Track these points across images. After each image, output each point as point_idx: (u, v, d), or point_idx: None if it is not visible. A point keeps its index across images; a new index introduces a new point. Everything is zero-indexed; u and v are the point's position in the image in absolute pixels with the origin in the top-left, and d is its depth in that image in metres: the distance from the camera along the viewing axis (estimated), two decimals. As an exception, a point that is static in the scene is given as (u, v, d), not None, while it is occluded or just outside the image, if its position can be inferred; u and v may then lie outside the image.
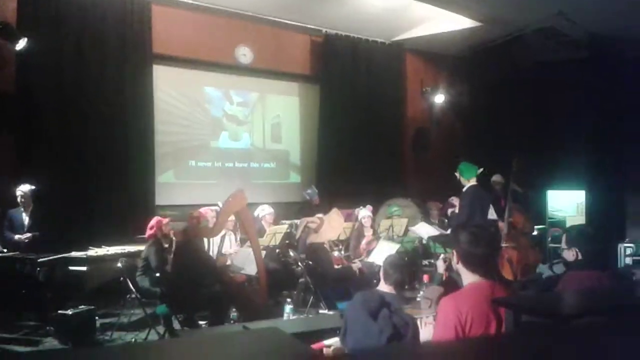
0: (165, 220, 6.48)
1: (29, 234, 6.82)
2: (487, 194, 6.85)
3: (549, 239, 9.80)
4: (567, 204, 10.74)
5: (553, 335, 1.33)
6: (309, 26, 10.20)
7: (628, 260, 8.26)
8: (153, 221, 6.44)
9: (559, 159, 10.19)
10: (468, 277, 2.98)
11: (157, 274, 6.04)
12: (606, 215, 9.39)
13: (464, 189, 6.58)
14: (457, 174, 6.62)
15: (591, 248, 3.74)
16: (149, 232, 6.32)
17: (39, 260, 6.10)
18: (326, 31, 10.38)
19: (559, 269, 5.75)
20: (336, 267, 7.34)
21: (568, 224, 10.07)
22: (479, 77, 11.10)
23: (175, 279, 5.85)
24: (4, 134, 7.40)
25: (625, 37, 9.31)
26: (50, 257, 6.14)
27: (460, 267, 3.02)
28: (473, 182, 6.54)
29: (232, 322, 5.46)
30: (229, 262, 6.78)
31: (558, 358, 1.11)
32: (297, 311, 6.04)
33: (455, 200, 8.08)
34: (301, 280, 7.06)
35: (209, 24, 9.27)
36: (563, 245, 3.82)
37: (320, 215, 7.76)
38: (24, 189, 6.91)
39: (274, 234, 7.31)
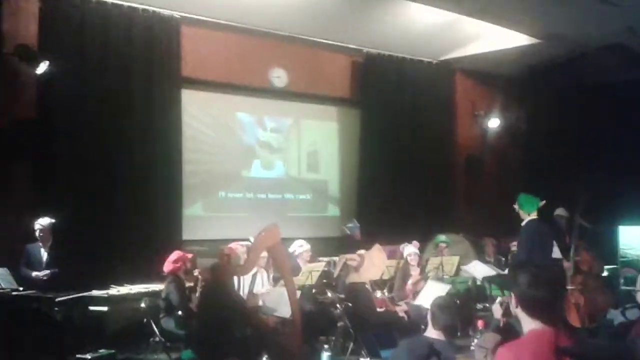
0: (190, 256, 6.52)
1: (47, 271, 6.92)
2: (549, 229, 6.70)
3: (621, 280, 9.49)
4: (641, 241, 10.40)
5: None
6: (348, 46, 10.28)
7: None
8: (176, 255, 6.48)
9: (633, 190, 9.91)
10: (528, 324, 2.90)
11: (180, 313, 6.05)
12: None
13: (523, 224, 6.46)
14: (515, 207, 6.51)
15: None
16: (170, 266, 6.36)
17: (57, 300, 6.18)
18: (367, 51, 10.44)
19: (632, 314, 5.56)
20: (379, 310, 7.24)
21: (643, 264, 9.76)
22: (538, 99, 10.98)
23: (202, 322, 5.85)
24: (22, 162, 7.58)
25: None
26: (69, 296, 6.22)
27: (519, 312, 2.94)
28: (534, 216, 6.42)
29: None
30: (260, 303, 6.76)
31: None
32: (336, 359, 5.97)
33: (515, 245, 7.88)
34: (340, 324, 6.98)
35: (241, 45, 9.42)
36: (638, 287, 3.71)
37: (361, 252, 7.71)
38: (42, 222, 7.04)
39: (310, 272, 7.28)
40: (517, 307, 2.92)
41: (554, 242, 7.29)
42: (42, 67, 7.40)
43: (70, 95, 7.88)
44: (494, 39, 10.01)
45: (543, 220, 6.60)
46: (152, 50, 8.54)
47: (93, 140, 8.02)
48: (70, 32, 7.95)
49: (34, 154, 7.67)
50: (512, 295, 2.97)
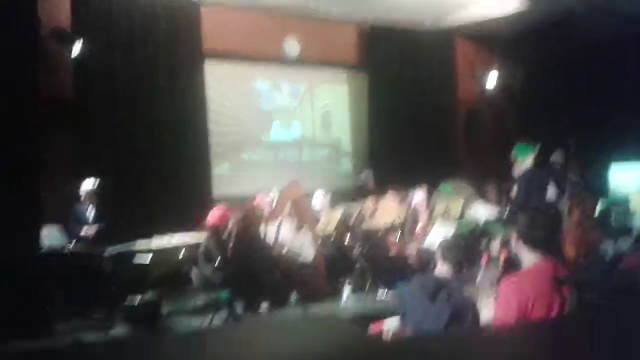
0: (230, 217, 6.52)
1: (94, 227, 7.05)
2: (545, 175, 6.65)
3: (612, 216, 9.44)
4: (631, 179, 10.30)
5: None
6: (355, 16, 10.12)
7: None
8: (219, 211, 6.49)
9: (623, 131, 9.77)
10: (528, 257, 2.92)
11: (218, 262, 6.15)
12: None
13: (520, 173, 6.41)
14: (512, 156, 6.45)
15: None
16: (213, 221, 6.39)
17: (104, 253, 6.29)
18: (372, 19, 10.28)
19: (623, 246, 5.56)
20: (392, 252, 7.29)
21: (632, 202, 9.68)
22: (533, 58, 10.74)
23: (236, 266, 5.95)
24: (64, 136, 7.64)
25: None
26: (116, 249, 6.33)
27: (519, 247, 2.96)
28: (529, 163, 6.36)
29: (292, 305, 5.52)
30: (285, 249, 6.84)
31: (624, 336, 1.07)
32: (356, 293, 6.05)
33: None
34: (357, 265, 7.05)
35: (256, 19, 9.33)
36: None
37: (374, 200, 7.72)
38: (87, 184, 7.15)
39: (329, 220, 7.33)
40: (518, 242, 2.94)
41: (552, 184, 7.25)
42: (77, 48, 7.39)
43: (102, 73, 7.91)
44: (489, 2, 9.77)
45: (539, 167, 6.54)
46: (175, 29, 8.51)
47: (127, 111, 8.07)
48: (100, 13, 7.91)
49: (74, 128, 7.72)
50: (513, 232, 2.99)
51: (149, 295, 5.99)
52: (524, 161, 6.37)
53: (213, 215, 6.44)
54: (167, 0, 8.40)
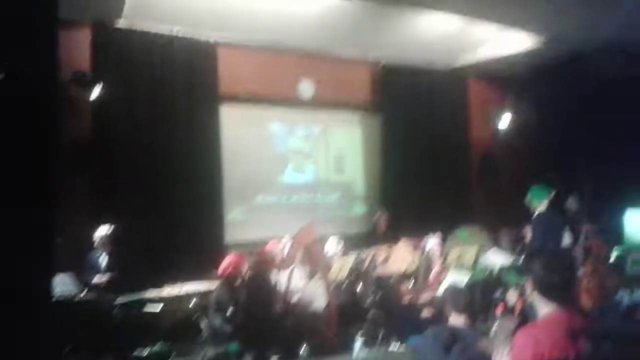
0: (242, 259, 6.51)
1: (107, 275, 7.07)
2: (559, 220, 6.62)
3: (629, 262, 9.32)
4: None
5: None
6: (368, 57, 10.29)
7: None
8: (231, 259, 6.44)
9: (637, 177, 9.72)
10: (544, 307, 2.89)
11: (229, 313, 6.12)
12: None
13: (534, 216, 6.40)
14: (526, 201, 6.45)
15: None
16: (225, 270, 6.32)
17: (115, 303, 6.29)
18: (386, 61, 10.44)
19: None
20: (405, 300, 7.22)
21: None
22: (546, 98, 10.83)
23: (246, 315, 5.91)
24: (81, 180, 7.74)
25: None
26: (127, 299, 6.33)
27: (535, 296, 2.93)
28: (544, 207, 6.35)
29: (303, 358, 5.46)
30: (298, 297, 6.80)
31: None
32: (368, 345, 5.98)
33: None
34: (370, 314, 6.98)
35: (271, 61, 9.49)
36: None
37: (387, 245, 7.70)
38: (101, 231, 7.20)
39: (341, 266, 7.29)
40: (533, 291, 2.91)
41: (566, 230, 7.22)
42: (96, 92, 7.55)
43: (120, 117, 8.05)
44: (501, 42, 9.90)
45: (554, 211, 6.53)
46: (192, 72, 8.64)
47: (142, 157, 8.15)
48: (119, 59, 8.08)
49: (92, 172, 7.84)
50: (528, 281, 2.96)
51: (159, 346, 5.96)
52: (539, 205, 6.36)
53: (226, 263, 6.40)
54: (184, 42, 8.56)
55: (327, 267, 6.80)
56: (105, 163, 7.93)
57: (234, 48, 9.12)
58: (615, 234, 9.33)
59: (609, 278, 6.51)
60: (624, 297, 5.39)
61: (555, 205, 6.74)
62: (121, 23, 8.08)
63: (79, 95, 7.70)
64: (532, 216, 6.58)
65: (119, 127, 8.05)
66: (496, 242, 8.96)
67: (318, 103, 10.10)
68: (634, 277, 8.65)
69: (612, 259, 7.78)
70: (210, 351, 6.35)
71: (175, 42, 8.51)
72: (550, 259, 2.89)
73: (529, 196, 6.48)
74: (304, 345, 5.55)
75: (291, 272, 6.88)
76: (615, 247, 7.85)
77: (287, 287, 6.56)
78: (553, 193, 6.51)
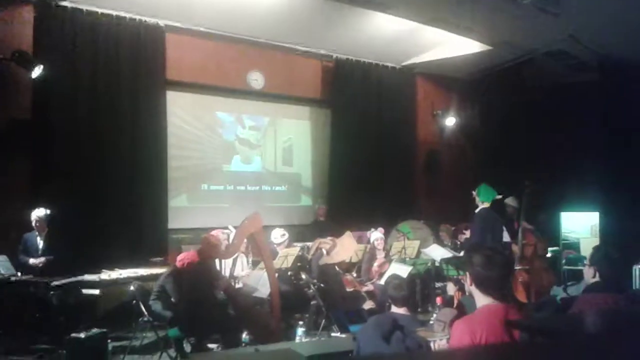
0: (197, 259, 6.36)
1: (42, 258, 6.84)
2: (498, 217, 6.82)
3: (563, 261, 9.69)
4: (581, 225, 10.63)
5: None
6: (320, 51, 10.30)
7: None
8: (188, 255, 6.19)
9: (572, 180, 10.12)
10: (481, 300, 2.94)
11: (172, 300, 6.01)
12: (620, 237, 9.27)
13: (476, 211, 6.56)
14: (474, 192, 6.60)
15: (611, 271, 3.71)
16: (180, 263, 6.08)
17: (52, 284, 6.10)
18: (337, 56, 10.47)
19: (573, 290, 5.68)
20: (348, 289, 7.28)
21: (582, 246, 9.96)
22: (490, 100, 11.13)
23: (188, 302, 5.82)
24: (19, 158, 7.49)
25: (634, 59, 9.31)
26: (64, 281, 6.15)
27: (473, 289, 2.98)
28: (486, 205, 6.53)
29: (244, 345, 5.42)
30: (240, 285, 6.76)
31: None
32: (309, 334, 5.99)
33: (467, 230, 7.92)
34: (313, 302, 7.01)
35: (221, 50, 9.38)
36: (587, 261, 3.82)
37: (332, 237, 7.74)
38: (39, 213, 6.94)
39: (286, 256, 7.30)
40: (471, 285, 2.96)
41: (504, 228, 7.42)
42: (37, 72, 7.29)
43: (63, 97, 7.79)
44: (451, 45, 10.10)
45: (493, 209, 6.71)
46: (139, 55, 8.44)
47: (85, 138, 7.93)
48: (63, 38, 7.82)
49: (30, 152, 7.57)
50: (467, 274, 3.02)
51: (96, 329, 5.80)
52: (482, 202, 6.53)
53: (182, 257, 6.19)
54: (131, 25, 8.35)
55: (272, 256, 6.76)
56: (45, 144, 7.64)
57: (183, 34, 8.98)
58: (550, 234, 9.67)
59: (544, 275, 6.73)
60: (558, 292, 5.58)
61: (496, 204, 6.91)
62: (66, 2, 7.82)
63: (19, 75, 7.40)
64: (472, 213, 6.74)
65: (60, 109, 7.78)
66: (437, 237, 9.16)
67: (267, 94, 10.04)
68: (567, 275, 9.00)
69: (548, 257, 8.05)
70: (149, 335, 6.26)
71: (122, 24, 8.28)
72: (489, 254, 2.93)
73: (476, 191, 6.63)
74: (246, 332, 5.51)
75: (235, 260, 6.84)
76: (552, 247, 8.12)
77: (231, 274, 6.51)
78: (498, 197, 6.70)
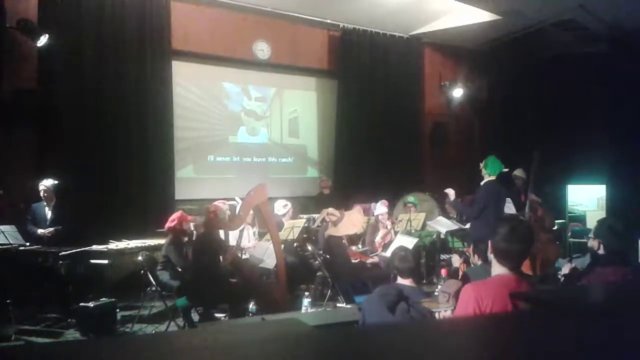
0: (190, 218, 6.50)
1: (51, 228, 6.88)
2: (503, 189, 6.79)
3: (569, 233, 9.69)
4: (587, 198, 10.61)
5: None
6: (326, 21, 10.18)
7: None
8: (176, 215, 6.46)
9: (579, 153, 10.06)
10: (497, 269, 2.97)
11: (178, 269, 6.09)
12: (627, 209, 9.25)
13: (482, 183, 6.54)
14: (481, 164, 6.58)
15: (617, 244, 3.72)
16: (169, 224, 6.35)
17: (60, 254, 6.16)
18: (343, 26, 10.35)
19: (579, 263, 5.68)
20: (353, 261, 7.32)
21: (588, 219, 9.94)
22: (498, 71, 11.01)
23: (195, 272, 5.88)
24: (26, 129, 7.49)
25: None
26: (72, 251, 6.20)
27: (491, 258, 3.02)
28: (492, 177, 6.50)
29: (250, 314, 5.47)
30: (247, 256, 6.81)
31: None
32: (315, 304, 6.05)
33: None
34: (319, 274, 7.06)
35: (227, 19, 9.29)
36: (591, 234, 3.83)
37: (339, 209, 7.75)
38: (46, 183, 6.97)
39: (292, 227, 7.33)
40: (491, 252, 2.99)
41: (510, 200, 7.40)
42: (42, 40, 7.25)
43: (68, 66, 7.77)
44: (459, 15, 9.96)
45: (501, 179, 6.69)
46: (144, 24, 8.39)
47: (91, 108, 7.92)
48: (68, 7, 7.77)
49: (37, 121, 7.56)
50: (490, 242, 3.03)
51: (105, 297, 5.88)
52: (488, 175, 6.50)
53: (171, 218, 6.38)
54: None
55: (278, 227, 6.79)
56: (51, 114, 7.64)
57: (188, 2, 8.90)
58: (557, 206, 9.65)
59: (550, 247, 6.73)
60: (563, 265, 5.58)
61: (503, 175, 6.89)
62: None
63: (24, 44, 7.36)
64: (478, 185, 6.72)
65: (65, 78, 7.76)
66: (443, 209, 9.15)
67: (273, 65, 9.96)
68: (573, 247, 9.00)
69: (554, 229, 8.04)
70: (158, 305, 6.33)
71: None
72: (513, 227, 2.93)
73: (484, 163, 6.60)
74: (252, 303, 5.55)
75: (241, 231, 6.86)
76: (557, 219, 8.11)
77: (237, 246, 6.55)
78: (505, 169, 6.68)
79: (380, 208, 8.06)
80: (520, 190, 8.47)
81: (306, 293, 5.61)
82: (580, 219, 10.34)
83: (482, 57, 11.46)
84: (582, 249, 8.14)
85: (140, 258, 6.16)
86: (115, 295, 6.08)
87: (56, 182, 7.03)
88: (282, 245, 6.59)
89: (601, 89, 10.22)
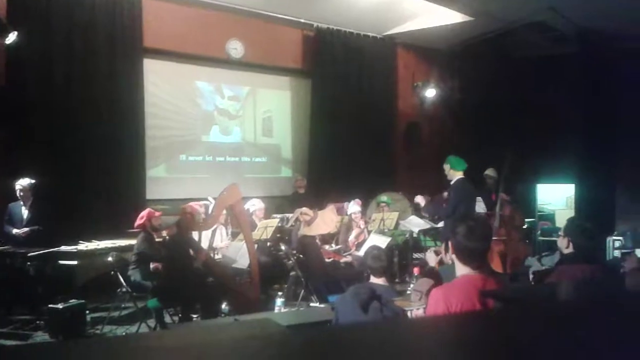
0: (157, 214, 6.46)
1: (26, 229, 6.76)
2: (473, 187, 6.88)
3: (539, 232, 9.85)
4: (556, 197, 10.80)
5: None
6: (300, 20, 10.16)
7: (616, 253, 8.31)
8: (144, 212, 6.42)
9: (549, 152, 10.24)
10: (461, 269, 2.98)
11: (150, 267, 6.03)
12: (595, 208, 9.45)
13: (452, 182, 6.61)
14: (446, 167, 6.64)
15: (585, 243, 3.80)
16: (138, 221, 6.30)
17: (29, 255, 6.06)
18: (318, 25, 10.34)
19: (547, 261, 5.80)
20: (327, 260, 7.34)
21: (557, 218, 10.13)
22: (470, 72, 11.13)
23: (168, 272, 5.83)
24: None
25: (613, 31, 9.36)
26: (41, 252, 6.10)
27: (454, 259, 3.03)
28: (461, 175, 6.57)
29: (223, 315, 5.46)
30: (219, 256, 6.77)
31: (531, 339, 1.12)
32: (288, 304, 6.05)
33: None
34: (292, 273, 7.06)
35: (200, 17, 9.19)
36: (561, 232, 3.91)
37: (312, 209, 7.76)
38: (23, 183, 6.85)
39: (265, 227, 7.31)
40: (453, 254, 3.00)
41: (481, 199, 7.49)
42: (11, 38, 7.10)
43: (38, 64, 7.62)
44: (432, 16, 10.04)
45: (469, 179, 6.77)
46: (115, 21, 8.24)
47: (61, 107, 7.78)
48: (38, 3, 7.62)
49: (5, 119, 7.40)
50: (449, 243, 3.05)
51: (75, 298, 5.80)
52: (456, 172, 6.58)
53: (139, 217, 6.33)
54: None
55: (252, 227, 6.78)
56: (20, 111, 7.48)
57: (161, 0, 8.78)
58: (526, 205, 9.81)
59: (520, 246, 6.83)
60: (533, 262, 5.69)
61: (475, 175, 6.98)
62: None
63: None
64: (449, 185, 6.81)
65: (35, 76, 7.61)
66: (415, 209, 9.22)
67: (247, 64, 9.90)
68: (542, 246, 9.16)
69: (524, 228, 8.17)
70: (129, 307, 6.26)
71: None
72: (471, 226, 2.95)
73: (447, 164, 6.67)
74: (225, 303, 5.54)
75: (213, 232, 6.83)
76: (526, 217, 8.25)
77: (210, 246, 6.51)
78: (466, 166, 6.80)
79: (354, 207, 8.10)
80: (491, 189, 8.59)
81: (279, 293, 5.62)
82: (549, 217, 10.53)
83: (454, 57, 11.58)
84: (551, 247, 8.30)
85: (110, 259, 6.10)
86: (85, 297, 6.00)
87: (33, 181, 6.90)
88: (256, 245, 6.57)
89: (570, 90, 10.41)
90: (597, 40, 9.72)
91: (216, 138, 9.78)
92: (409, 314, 3.85)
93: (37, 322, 5.95)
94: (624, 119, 9.95)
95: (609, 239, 8.58)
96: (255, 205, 7.78)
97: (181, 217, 6.24)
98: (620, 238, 8.66)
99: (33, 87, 7.59)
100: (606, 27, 9.32)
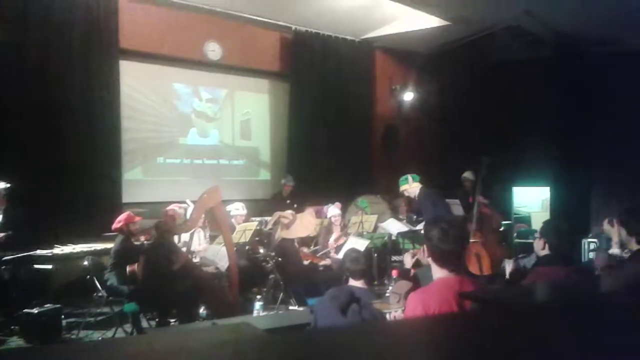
0: (137, 219, 6.39)
1: (1, 234, 6.64)
2: (437, 192, 7.15)
3: (515, 234, 9.96)
4: (532, 200, 10.93)
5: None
6: (279, 23, 10.16)
7: (591, 255, 8.43)
8: (123, 215, 6.34)
9: (525, 155, 10.36)
10: (437, 272, 3.00)
11: (127, 271, 5.97)
12: (570, 211, 9.58)
13: (419, 192, 6.82)
14: (405, 186, 6.89)
15: (561, 244, 3.85)
16: (115, 225, 6.23)
17: (2, 259, 5.95)
18: (296, 28, 10.35)
19: (525, 263, 5.86)
20: (305, 263, 7.33)
21: (533, 220, 10.25)
22: (447, 76, 11.22)
23: (146, 276, 5.78)
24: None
25: (588, 35, 9.51)
26: (15, 256, 6.01)
27: (430, 262, 3.04)
28: (419, 184, 6.86)
29: (201, 319, 5.42)
30: (198, 260, 6.73)
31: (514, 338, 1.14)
32: (267, 308, 6.04)
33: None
34: (271, 277, 7.05)
35: (177, 19, 9.13)
36: (537, 235, 3.95)
37: (291, 212, 7.75)
38: None
39: (244, 230, 7.28)
40: (428, 257, 3.02)
41: (459, 201, 7.60)
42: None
43: (11, 65, 7.48)
44: (410, 20, 10.10)
45: (429, 186, 7.02)
46: (91, 22, 8.14)
47: (36, 110, 7.64)
48: (13, 4, 7.49)
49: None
50: (425, 247, 3.07)
51: (50, 303, 5.72)
52: (415, 184, 6.84)
53: (117, 220, 6.26)
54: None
55: (231, 230, 6.75)
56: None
57: (137, 1, 8.70)
58: (503, 208, 9.91)
59: (497, 248, 6.90)
60: (509, 265, 5.74)
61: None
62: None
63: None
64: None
65: (8, 78, 7.46)
66: (394, 211, 9.28)
67: (225, 66, 9.87)
68: (518, 248, 9.25)
69: (500, 230, 8.25)
70: (105, 312, 6.19)
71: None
72: (444, 229, 2.97)
73: (405, 181, 6.94)
74: (203, 307, 5.50)
75: (191, 235, 6.79)
76: (503, 220, 8.33)
77: (188, 249, 6.47)
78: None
79: (333, 210, 8.10)
80: (468, 192, 8.66)
81: (258, 296, 5.59)
82: (525, 220, 10.65)
83: (432, 61, 11.66)
84: (527, 249, 8.38)
85: (86, 263, 6.02)
86: (61, 301, 5.92)
87: (8, 185, 6.78)
88: (235, 248, 6.55)
89: (546, 93, 10.55)
90: (572, 44, 9.87)
91: (194, 140, 9.72)
92: (387, 316, 3.87)
93: (12, 327, 5.86)
94: (598, 122, 10.11)
95: (584, 241, 8.70)
96: (238, 210, 7.74)
97: (161, 219, 6.20)
98: (595, 240, 8.78)
99: (6, 90, 7.45)
100: (581, 31, 9.46)
